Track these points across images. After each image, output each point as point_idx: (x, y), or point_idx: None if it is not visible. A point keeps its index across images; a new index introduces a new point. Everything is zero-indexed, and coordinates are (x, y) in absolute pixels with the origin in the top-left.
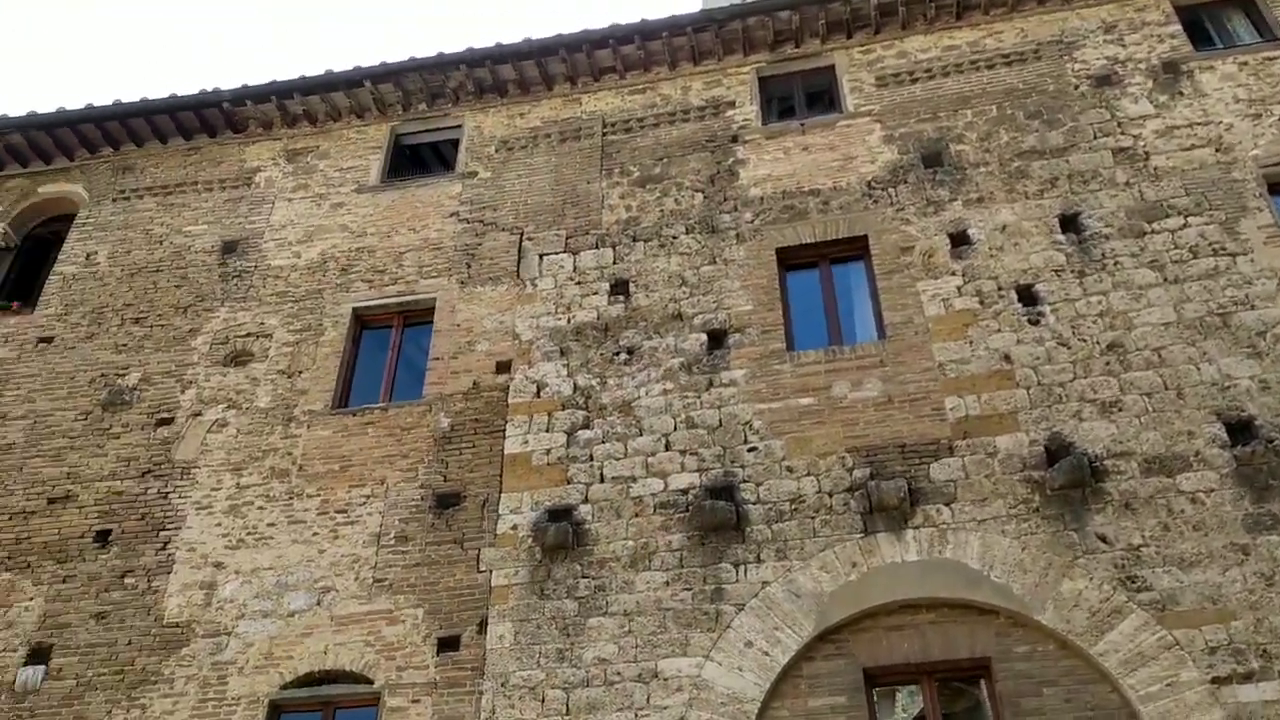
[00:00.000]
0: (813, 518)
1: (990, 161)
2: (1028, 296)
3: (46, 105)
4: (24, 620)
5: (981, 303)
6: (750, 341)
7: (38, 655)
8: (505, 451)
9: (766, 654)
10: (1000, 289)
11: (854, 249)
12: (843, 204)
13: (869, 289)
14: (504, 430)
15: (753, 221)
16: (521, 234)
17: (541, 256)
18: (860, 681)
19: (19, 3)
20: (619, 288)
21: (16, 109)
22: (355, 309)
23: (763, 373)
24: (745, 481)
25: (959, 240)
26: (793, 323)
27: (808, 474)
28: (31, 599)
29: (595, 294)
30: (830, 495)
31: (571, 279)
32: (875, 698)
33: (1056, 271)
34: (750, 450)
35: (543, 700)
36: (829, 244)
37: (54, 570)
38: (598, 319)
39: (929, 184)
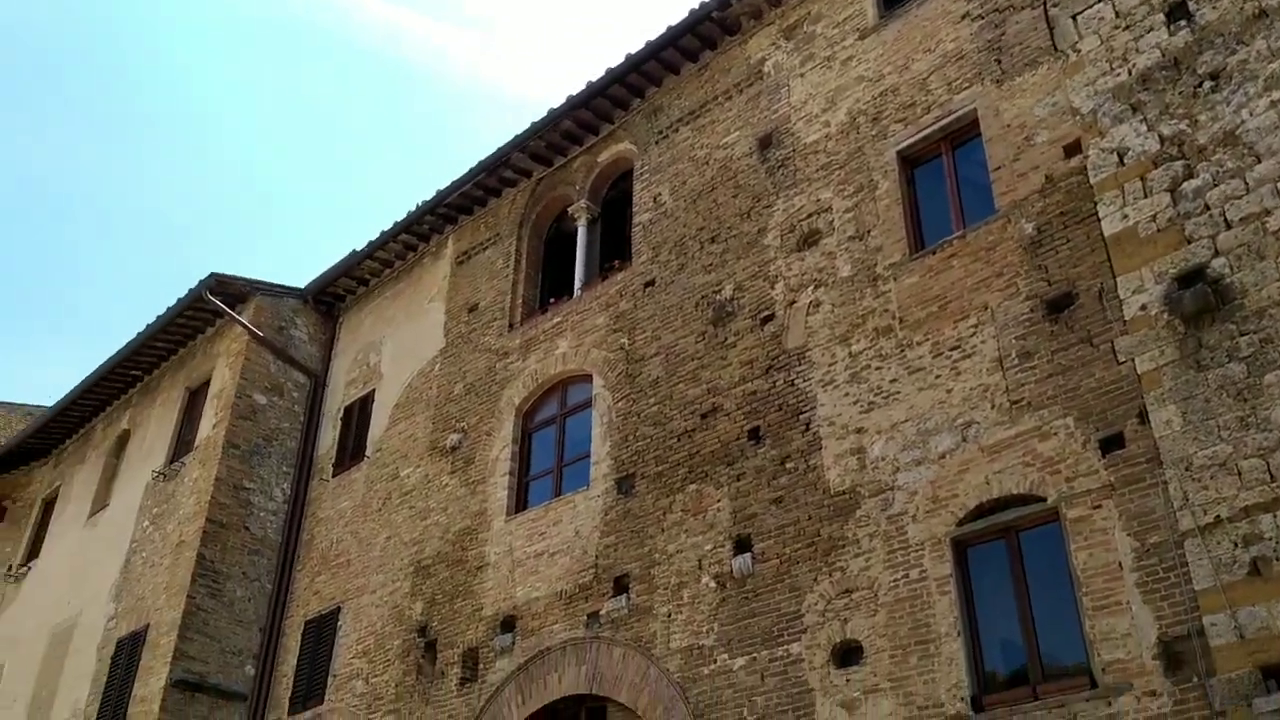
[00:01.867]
0: None
1: None
2: None
3: (568, 87)
4: (720, 519)
5: None
6: None
7: (741, 545)
8: (1106, 234)
9: None
10: None
11: None
12: None
13: None
14: (1096, 213)
15: None
16: (1044, 3)
17: (1075, 17)
18: None
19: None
20: (1177, 12)
21: (551, 100)
22: (899, 152)
23: None
24: None
25: None
26: None
27: None
28: (719, 501)
29: (1150, 30)
30: None
31: (1117, 26)
32: None
33: None
34: None
35: (1239, 474)
36: None
37: (727, 472)
38: (1163, 57)
39: None
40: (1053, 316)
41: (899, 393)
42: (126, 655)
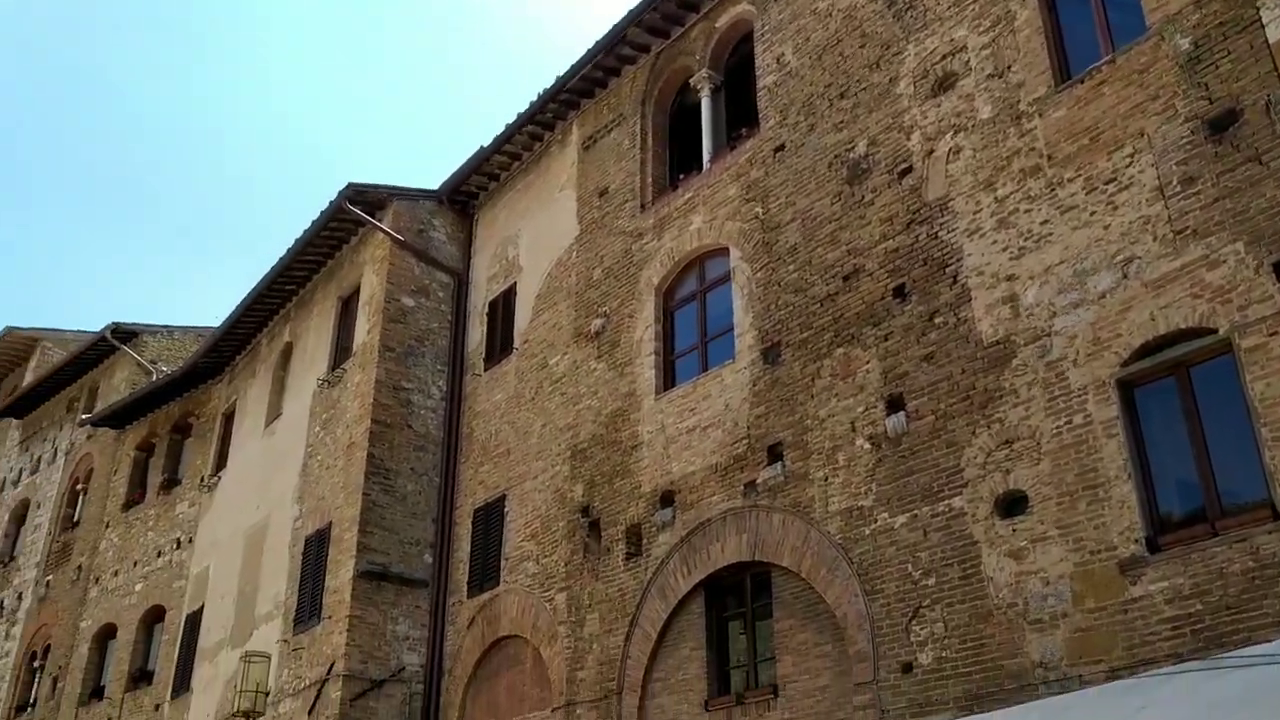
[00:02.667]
0: None
1: None
2: None
3: None
4: (870, 380)
5: None
6: None
7: (894, 404)
8: (1270, 41)
9: None
10: None
11: None
12: None
13: None
14: (1259, 19)
15: None
16: None
17: None
18: None
19: None
20: None
21: None
22: None
23: None
24: None
25: None
26: None
27: None
28: (868, 362)
29: None
30: None
31: None
32: None
33: None
34: None
35: None
36: None
37: (873, 333)
38: None
39: None
40: (1216, 137)
41: (1051, 234)
42: (315, 551)
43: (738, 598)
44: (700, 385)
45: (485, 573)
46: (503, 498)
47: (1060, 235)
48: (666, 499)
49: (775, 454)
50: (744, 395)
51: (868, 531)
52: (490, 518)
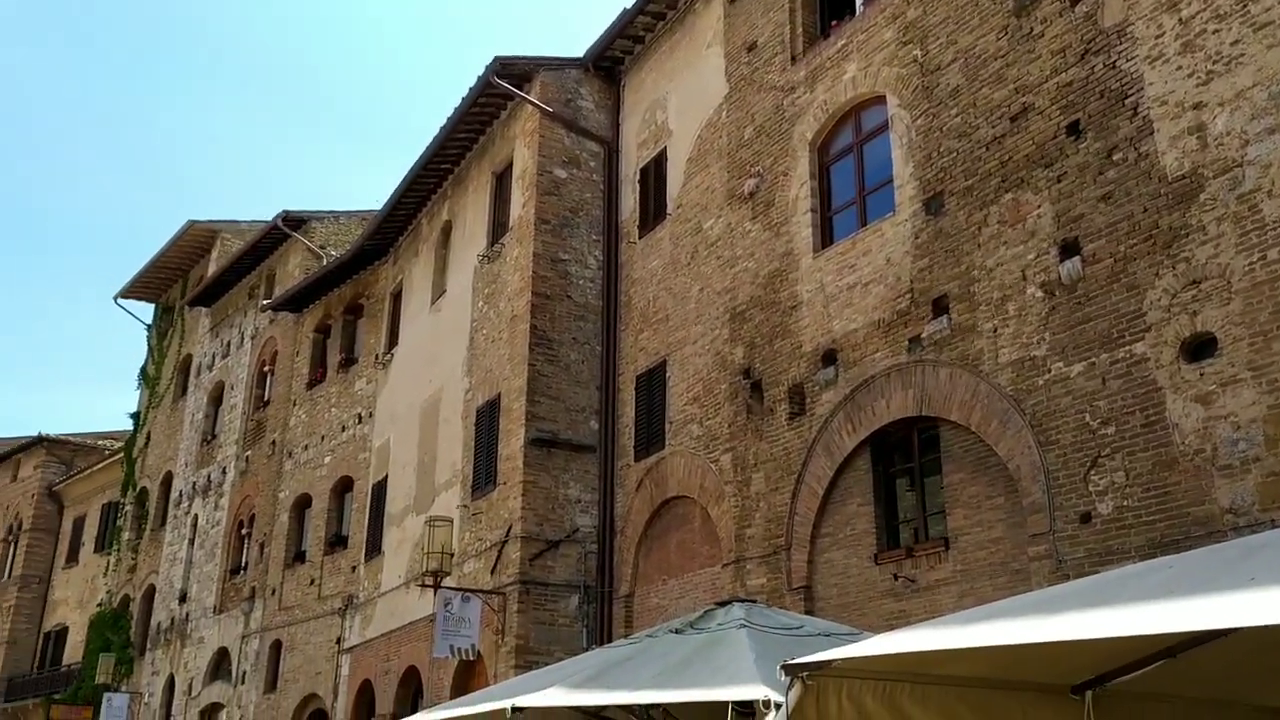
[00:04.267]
0: None
1: None
2: None
3: None
4: (1041, 225)
5: None
6: None
7: (1068, 249)
8: None
9: None
10: None
11: None
12: None
13: None
14: None
15: None
16: None
17: None
18: None
19: None
20: None
21: None
22: None
23: None
24: None
25: None
26: None
27: None
28: (1038, 207)
29: None
30: None
31: None
32: None
33: None
34: None
35: None
36: None
37: (1044, 175)
38: None
39: None
40: None
41: (1243, 55)
42: (486, 421)
43: (905, 453)
44: (859, 241)
45: (651, 437)
46: (664, 363)
47: (1253, 56)
48: (828, 357)
49: (940, 307)
50: (906, 249)
51: (1041, 382)
52: (653, 383)
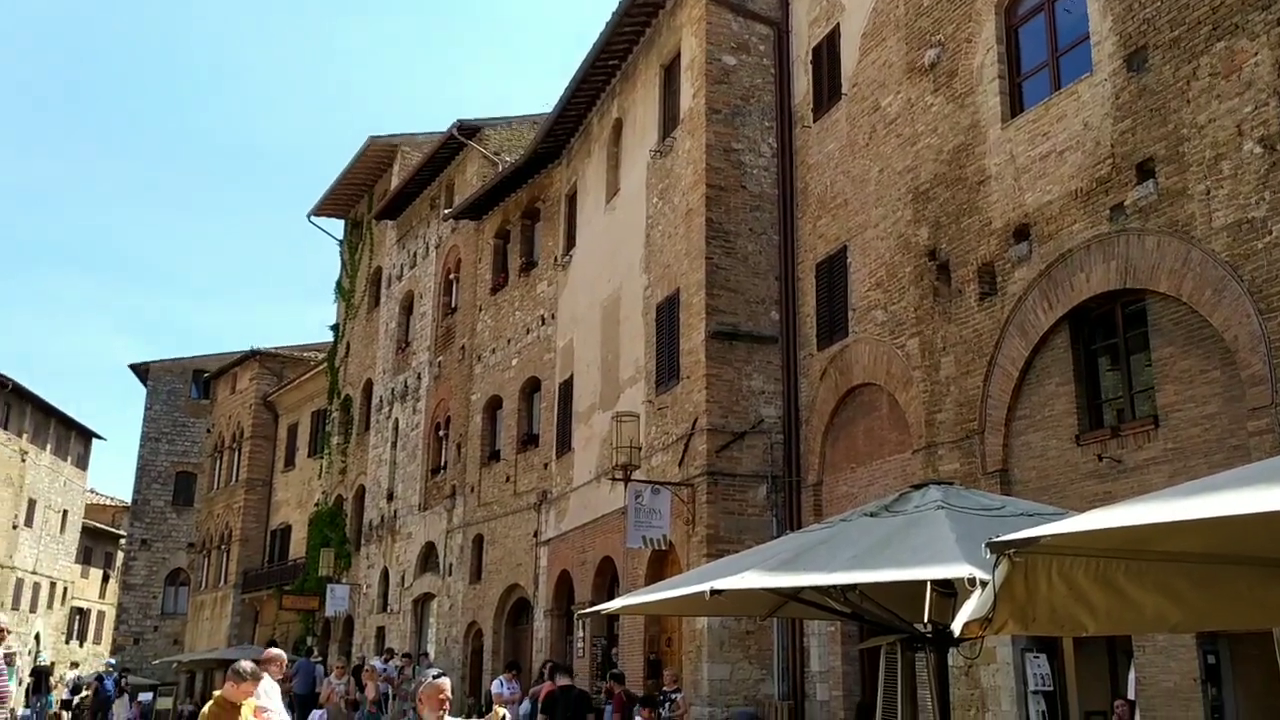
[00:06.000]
0: None
1: None
2: None
3: None
4: (1259, 74)
5: None
6: None
7: None
8: None
9: None
10: None
11: None
12: None
13: None
14: None
15: None
16: None
17: None
18: None
19: None
20: None
21: None
22: None
23: None
24: None
25: None
26: None
27: None
28: (1255, 54)
29: None
30: None
31: None
32: None
33: None
34: None
35: None
36: None
37: (1261, 19)
38: None
39: None
40: None
41: None
42: (666, 316)
43: (1107, 329)
44: (1053, 106)
45: (833, 324)
46: (844, 249)
47: None
48: (1021, 233)
49: (1145, 171)
50: (1105, 110)
51: (1260, 245)
52: (833, 270)
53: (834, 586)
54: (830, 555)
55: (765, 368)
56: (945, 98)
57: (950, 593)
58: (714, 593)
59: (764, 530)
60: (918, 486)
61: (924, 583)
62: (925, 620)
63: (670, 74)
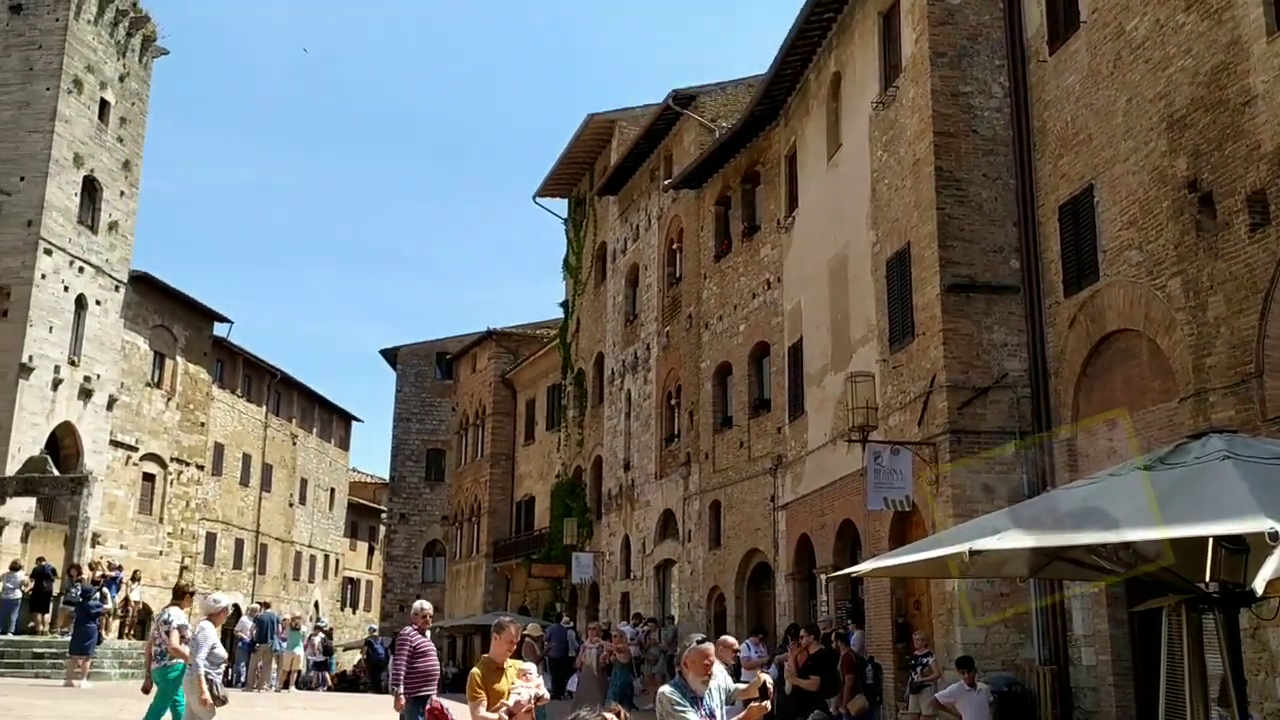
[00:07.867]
0: None
1: None
2: None
3: None
4: None
5: None
6: None
7: None
8: None
9: None
10: None
11: None
12: None
13: None
14: None
15: None
16: None
17: None
18: None
19: None
20: None
21: None
22: None
23: None
24: None
25: None
26: None
27: None
28: None
29: None
30: None
31: None
32: None
33: None
34: None
35: None
36: None
37: None
38: None
39: None
40: None
41: None
42: (897, 272)
43: None
44: None
45: (1081, 269)
46: (1090, 188)
47: None
48: None
49: None
50: None
51: None
52: (1079, 211)
53: (1104, 546)
54: (1101, 512)
55: (1007, 319)
56: (1199, 14)
57: (1242, 549)
58: (973, 553)
59: (1014, 489)
60: (1195, 436)
61: (1204, 540)
62: (1207, 579)
63: (889, 21)
